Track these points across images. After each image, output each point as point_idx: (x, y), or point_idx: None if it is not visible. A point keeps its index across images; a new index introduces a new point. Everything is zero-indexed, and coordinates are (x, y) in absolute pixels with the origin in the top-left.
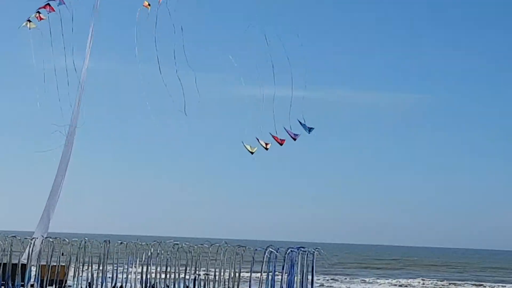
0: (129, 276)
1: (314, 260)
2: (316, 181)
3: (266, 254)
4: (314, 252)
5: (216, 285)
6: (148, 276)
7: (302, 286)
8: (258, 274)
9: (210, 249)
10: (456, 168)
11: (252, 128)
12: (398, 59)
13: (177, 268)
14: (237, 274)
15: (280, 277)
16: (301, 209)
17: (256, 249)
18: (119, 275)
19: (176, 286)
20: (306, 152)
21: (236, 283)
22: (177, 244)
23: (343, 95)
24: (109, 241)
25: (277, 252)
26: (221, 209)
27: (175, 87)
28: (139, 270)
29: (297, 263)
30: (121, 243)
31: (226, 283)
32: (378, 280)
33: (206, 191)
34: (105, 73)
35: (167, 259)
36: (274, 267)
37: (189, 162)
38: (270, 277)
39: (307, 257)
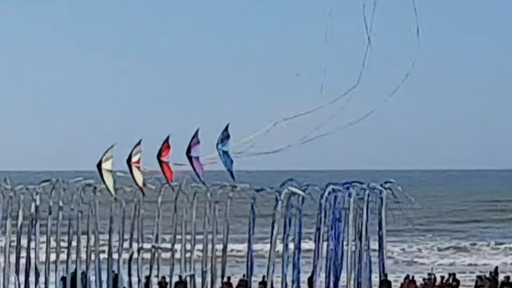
0: None
1: (384, 207)
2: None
3: (282, 198)
4: (381, 190)
5: (181, 266)
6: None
7: (360, 258)
8: (266, 243)
9: (163, 193)
10: None
11: None
12: None
13: (92, 235)
14: (219, 246)
15: (312, 244)
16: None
17: (259, 190)
18: None
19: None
20: None
21: (221, 261)
22: (96, 185)
23: None
24: None
25: (304, 193)
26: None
27: None
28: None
29: (348, 214)
30: None
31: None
32: None
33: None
34: None
35: (71, 216)
36: (300, 225)
37: None
38: (292, 245)
39: (368, 200)
